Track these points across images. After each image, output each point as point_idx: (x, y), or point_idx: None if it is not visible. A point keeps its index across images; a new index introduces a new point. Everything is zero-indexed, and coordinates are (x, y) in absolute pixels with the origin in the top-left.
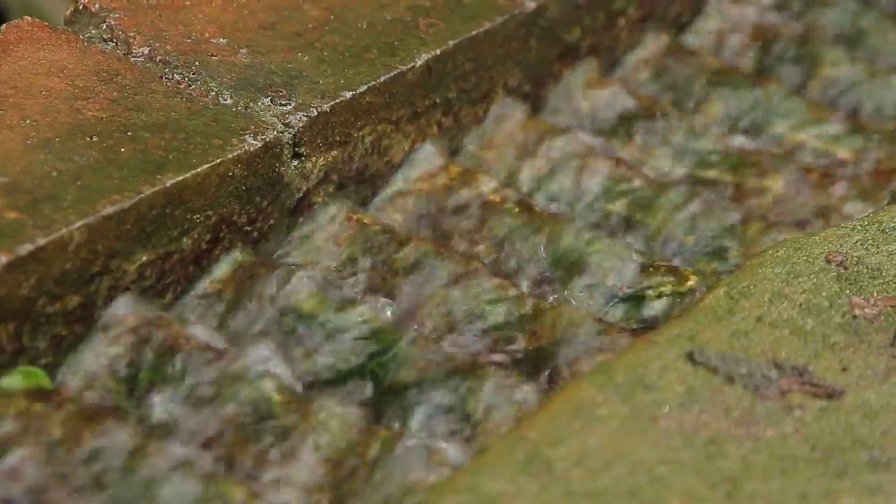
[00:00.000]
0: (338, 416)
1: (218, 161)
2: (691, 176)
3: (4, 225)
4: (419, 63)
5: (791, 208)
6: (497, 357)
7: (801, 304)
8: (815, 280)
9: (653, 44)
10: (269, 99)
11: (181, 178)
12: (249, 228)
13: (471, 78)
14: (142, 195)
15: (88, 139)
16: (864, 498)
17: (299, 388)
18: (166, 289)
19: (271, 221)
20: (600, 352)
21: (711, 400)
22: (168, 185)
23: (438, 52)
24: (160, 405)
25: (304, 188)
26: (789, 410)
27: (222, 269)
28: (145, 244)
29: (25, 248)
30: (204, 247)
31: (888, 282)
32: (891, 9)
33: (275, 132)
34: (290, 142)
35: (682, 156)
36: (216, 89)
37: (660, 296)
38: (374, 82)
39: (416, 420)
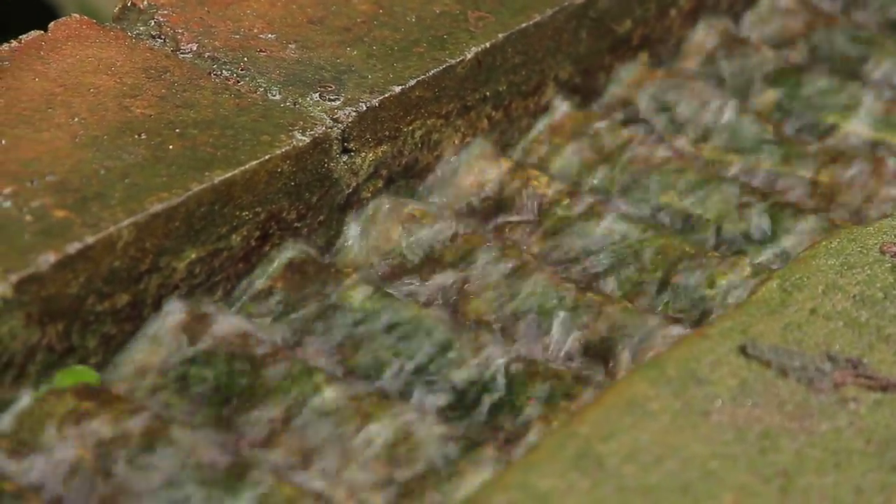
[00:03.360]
0: (392, 414)
1: (267, 157)
2: (746, 168)
3: (53, 223)
4: (469, 56)
5: (845, 198)
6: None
7: (854, 296)
8: (869, 271)
9: (706, 34)
10: (317, 94)
11: (230, 174)
12: (299, 224)
13: (521, 71)
14: (190, 192)
15: (137, 137)
16: None
17: (352, 384)
18: (216, 286)
19: (321, 217)
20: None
21: (764, 393)
22: (216, 181)
23: (488, 45)
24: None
25: (354, 183)
26: (843, 403)
27: (273, 265)
28: (194, 242)
29: (74, 247)
30: (253, 244)
31: None
32: None
33: (324, 127)
34: (339, 137)
35: (736, 146)
36: (265, 85)
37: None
38: (423, 76)
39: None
